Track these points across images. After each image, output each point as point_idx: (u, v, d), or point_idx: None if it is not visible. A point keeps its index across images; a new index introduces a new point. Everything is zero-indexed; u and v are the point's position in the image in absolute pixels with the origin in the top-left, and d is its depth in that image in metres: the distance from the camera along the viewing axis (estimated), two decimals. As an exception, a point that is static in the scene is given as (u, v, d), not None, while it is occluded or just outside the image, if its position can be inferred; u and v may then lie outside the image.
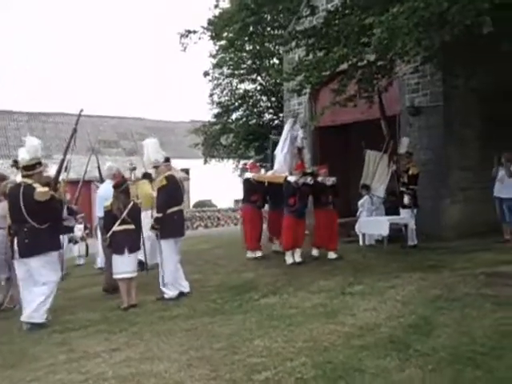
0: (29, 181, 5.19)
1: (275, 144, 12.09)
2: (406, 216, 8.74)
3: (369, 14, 5.39)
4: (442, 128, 9.67)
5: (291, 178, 7.90)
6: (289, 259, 7.84)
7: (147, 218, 6.94)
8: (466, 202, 10.15)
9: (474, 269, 6.12)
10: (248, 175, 9.16)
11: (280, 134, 12.07)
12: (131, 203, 5.84)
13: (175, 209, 6.14)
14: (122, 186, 5.89)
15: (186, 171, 22.74)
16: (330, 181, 8.14)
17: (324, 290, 5.85)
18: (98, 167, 8.70)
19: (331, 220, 8.22)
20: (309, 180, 7.92)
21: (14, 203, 5.15)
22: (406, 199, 8.81)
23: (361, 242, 9.31)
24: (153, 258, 7.08)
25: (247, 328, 4.54)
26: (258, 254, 8.78)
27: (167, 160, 6.46)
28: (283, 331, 4.36)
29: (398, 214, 9.26)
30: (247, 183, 8.99)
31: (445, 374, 3.27)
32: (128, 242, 5.72)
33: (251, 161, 12.69)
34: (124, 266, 5.71)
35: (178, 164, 24.69)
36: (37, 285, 5.21)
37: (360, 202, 9.61)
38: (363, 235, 9.23)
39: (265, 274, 7.23)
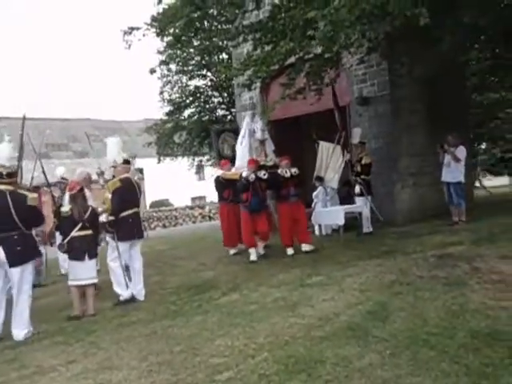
0: (10, 187, 5.09)
1: (218, 133, 12.22)
2: (360, 204, 8.94)
3: (312, 8, 5.42)
4: (390, 116, 9.94)
5: (244, 174, 7.86)
6: (252, 255, 7.77)
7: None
8: (416, 186, 10.52)
9: (426, 252, 6.33)
10: (218, 173, 9.18)
11: (231, 127, 12.23)
12: (90, 208, 5.74)
13: (130, 211, 6.05)
14: (80, 191, 5.76)
15: (140, 171, 22.27)
16: (289, 172, 7.88)
17: (284, 283, 5.89)
18: (43, 172, 8.35)
19: (296, 212, 7.92)
20: (262, 174, 7.79)
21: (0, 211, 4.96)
22: (357, 188, 9.01)
23: (317, 233, 9.46)
24: None
25: (208, 328, 4.50)
26: (232, 251, 8.69)
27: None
28: (244, 328, 4.35)
29: (352, 202, 9.47)
30: (217, 181, 8.97)
31: (403, 357, 3.36)
32: (87, 247, 5.60)
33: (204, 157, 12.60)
34: (84, 272, 5.57)
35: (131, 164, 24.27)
36: (21, 293, 5.05)
37: (314, 194, 9.74)
38: (319, 226, 9.38)
39: (225, 272, 7.20)
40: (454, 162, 8.58)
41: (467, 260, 5.51)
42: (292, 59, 7.53)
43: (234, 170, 8.99)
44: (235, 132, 12.34)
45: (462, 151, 8.67)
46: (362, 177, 9.01)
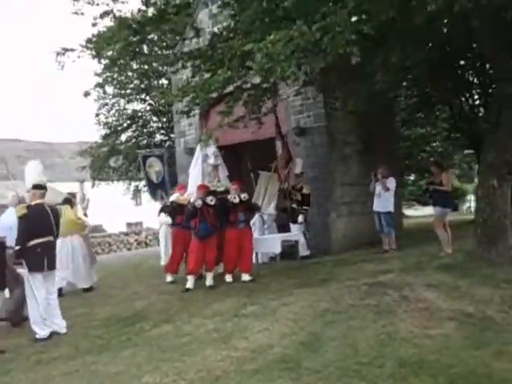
0: None
1: (144, 158, 12.42)
2: (297, 232, 9.06)
3: (250, 40, 5.53)
4: (325, 147, 10.25)
5: (191, 200, 7.79)
6: (188, 283, 7.57)
7: (65, 245, 8.17)
8: (350, 215, 10.86)
9: (358, 280, 6.46)
10: (173, 197, 9.17)
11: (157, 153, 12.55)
12: None
13: (38, 240, 5.60)
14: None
15: (73, 195, 21.31)
16: (238, 198, 7.77)
17: (218, 313, 5.75)
18: None
19: (242, 239, 7.81)
20: (209, 200, 7.69)
21: None
22: (301, 218, 9.24)
23: (254, 261, 9.41)
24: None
25: (136, 364, 4.26)
26: (169, 278, 8.52)
27: (38, 187, 5.84)
28: (174, 363, 4.17)
29: (289, 229, 9.58)
30: (170, 206, 8.91)
31: (333, 389, 3.34)
32: None
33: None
34: None
35: (63, 188, 23.14)
36: None
37: (251, 222, 9.74)
38: (256, 254, 9.35)
39: (158, 301, 6.94)
40: (384, 192, 8.95)
41: (396, 288, 5.68)
42: (231, 88, 7.59)
43: (185, 195, 8.90)
44: (161, 157, 12.48)
45: (392, 182, 9.07)
46: (304, 207, 9.29)
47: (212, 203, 7.70)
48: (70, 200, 8.80)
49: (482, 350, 3.85)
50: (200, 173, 8.90)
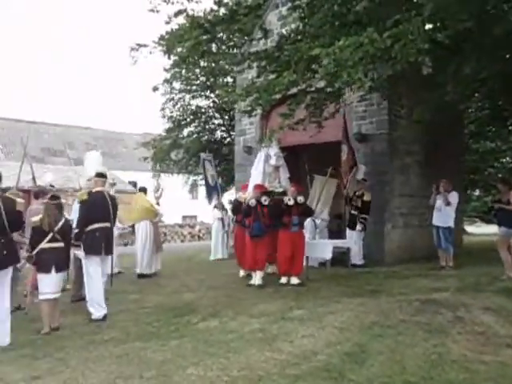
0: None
1: (204, 162, 12.87)
2: (352, 239, 9.16)
3: (318, 44, 5.49)
4: (386, 155, 10.01)
5: (247, 199, 8.05)
6: (253, 279, 7.81)
7: (141, 229, 9.07)
8: (406, 227, 10.53)
9: (410, 295, 6.27)
10: (238, 195, 9.68)
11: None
12: (63, 220, 5.50)
13: (96, 225, 5.88)
14: (53, 199, 5.59)
15: (134, 184, 22.16)
16: (292, 200, 7.72)
17: (264, 314, 5.77)
18: (33, 177, 8.30)
19: (294, 242, 7.74)
20: (263, 200, 7.80)
21: None
22: (359, 226, 9.27)
23: (303, 264, 9.37)
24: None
25: (182, 355, 4.37)
26: (241, 272, 8.87)
27: (100, 175, 6.18)
28: (219, 358, 4.24)
29: (342, 236, 9.45)
30: (233, 203, 9.49)
31: (376, 404, 3.27)
32: (56, 260, 5.34)
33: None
34: (50, 286, 5.31)
35: (126, 176, 24.13)
36: (4, 300, 4.92)
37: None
38: (307, 258, 9.29)
39: (206, 296, 7.08)
40: (445, 206, 8.61)
41: (451, 308, 5.44)
42: (294, 90, 7.59)
43: (246, 194, 9.08)
44: (210, 161, 12.88)
45: (454, 196, 8.71)
46: (364, 214, 9.33)
47: (266, 203, 7.79)
48: (145, 189, 9.54)
49: (540, 384, 3.61)
50: (261, 173, 9.01)
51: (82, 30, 66.35)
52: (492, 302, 5.68)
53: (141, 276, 8.96)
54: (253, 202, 7.79)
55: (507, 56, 6.65)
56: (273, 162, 9.08)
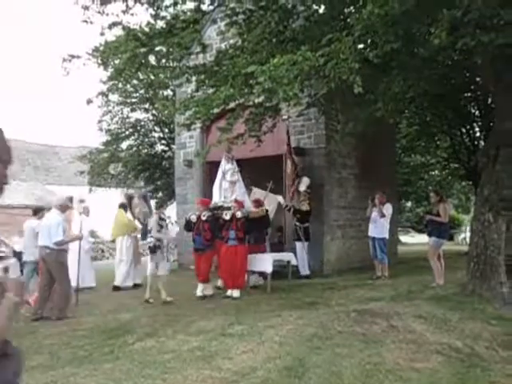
0: None
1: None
2: (297, 248, 9.43)
3: (255, 60, 5.56)
4: (323, 169, 10.28)
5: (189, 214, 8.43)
6: (197, 291, 7.93)
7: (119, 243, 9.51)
8: (343, 238, 10.84)
9: (348, 306, 6.41)
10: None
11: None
12: None
13: None
14: None
15: (70, 199, 21.17)
16: (229, 215, 7.88)
17: (204, 331, 5.66)
18: None
19: (232, 256, 7.88)
20: (203, 215, 8.02)
21: None
22: (302, 237, 9.52)
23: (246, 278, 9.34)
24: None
25: (115, 378, 4.17)
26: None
27: None
28: (155, 380, 4.09)
29: (283, 249, 9.55)
30: (186, 220, 9.36)
31: (313, 419, 3.27)
32: None
33: None
34: None
35: (61, 191, 23.02)
36: None
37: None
38: (248, 272, 9.28)
39: (144, 315, 6.84)
40: (379, 218, 8.94)
41: (385, 317, 5.61)
42: (233, 104, 7.61)
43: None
44: (144, 197, 12.00)
45: (388, 208, 9.08)
46: (304, 224, 9.57)
47: (204, 218, 7.97)
48: (124, 205, 9.72)
49: (467, 388, 3.79)
50: (217, 189, 8.99)
51: (14, 39, 63.29)
52: (423, 309, 5.92)
53: (116, 289, 9.24)
54: (193, 218, 8.14)
55: (433, 76, 7.06)
56: (228, 177, 9.07)
